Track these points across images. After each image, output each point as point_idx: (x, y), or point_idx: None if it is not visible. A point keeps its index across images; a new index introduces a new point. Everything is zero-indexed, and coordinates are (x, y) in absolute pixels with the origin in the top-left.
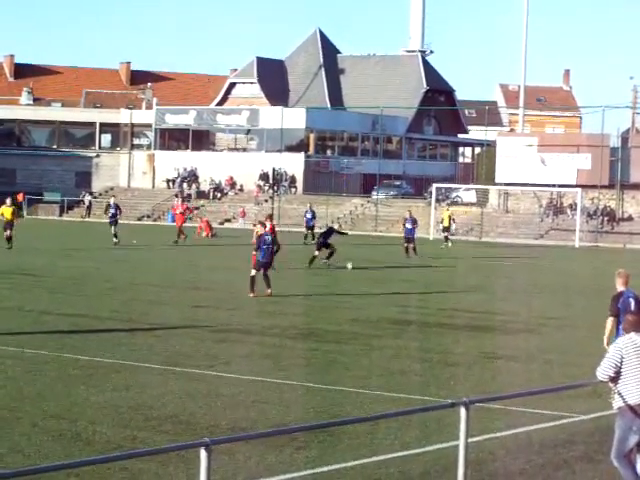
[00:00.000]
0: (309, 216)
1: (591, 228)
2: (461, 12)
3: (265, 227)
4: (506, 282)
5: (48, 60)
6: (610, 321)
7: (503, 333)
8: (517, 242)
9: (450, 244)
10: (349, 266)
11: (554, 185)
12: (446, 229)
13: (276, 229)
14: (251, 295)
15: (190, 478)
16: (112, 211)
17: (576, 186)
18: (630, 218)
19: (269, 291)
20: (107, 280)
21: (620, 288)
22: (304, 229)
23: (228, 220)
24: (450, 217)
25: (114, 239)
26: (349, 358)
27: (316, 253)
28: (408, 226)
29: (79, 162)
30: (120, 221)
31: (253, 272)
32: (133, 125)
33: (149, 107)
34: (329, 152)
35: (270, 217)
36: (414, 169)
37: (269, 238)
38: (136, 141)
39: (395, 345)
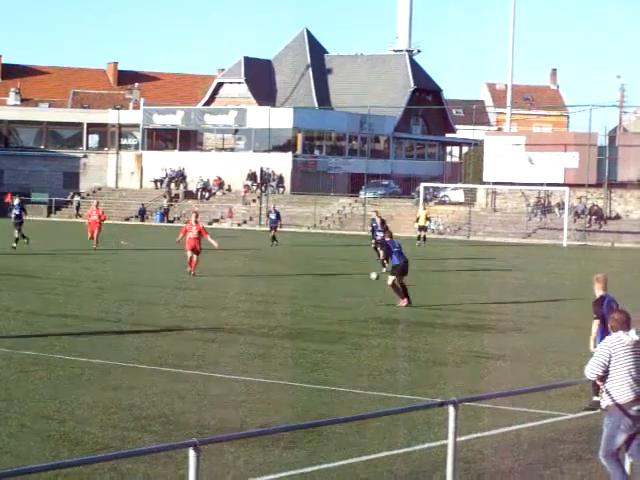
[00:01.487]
0: (273, 217)
1: (579, 227)
2: (448, 11)
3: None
4: (493, 282)
5: (35, 60)
6: (596, 324)
7: (492, 332)
8: (505, 241)
9: (424, 244)
10: (373, 276)
11: (542, 184)
12: (422, 228)
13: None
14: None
15: (179, 478)
16: (16, 212)
17: (564, 185)
18: (618, 217)
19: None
20: (96, 281)
21: (600, 293)
22: (269, 231)
23: (216, 220)
24: (427, 216)
25: (14, 244)
26: (338, 358)
27: None
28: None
29: (67, 162)
30: (108, 221)
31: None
32: (121, 125)
33: (136, 107)
34: (317, 152)
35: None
36: (402, 168)
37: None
38: (124, 141)
39: (384, 345)
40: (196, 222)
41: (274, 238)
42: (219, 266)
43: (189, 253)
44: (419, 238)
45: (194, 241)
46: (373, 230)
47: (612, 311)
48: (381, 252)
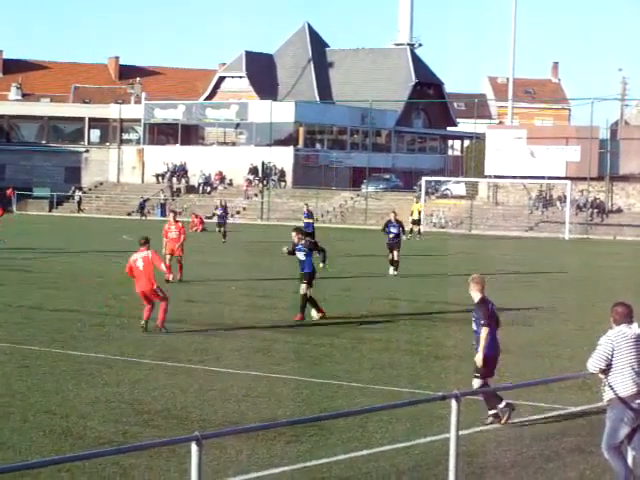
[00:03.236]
0: (220, 212)
1: (581, 220)
2: (449, 5)
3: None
4: (495, 275)
5: (37, 55)
6: (486, 331)
7: None
8: (507, 234)
9: (417, 237)
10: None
11: (543, 177)
12: (416, 222)
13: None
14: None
15: (182, 472)
16: None
17: (565, 178)
18: (619, 210)
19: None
20: (98, 275)
21: (478, 295)
22: (216, 227)
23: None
24: (419, 210)
25: None
26: (339, 351)
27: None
28: (393, 230)
29: (68, 157)
30: (110, 216)
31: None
32: (122, 120)
33: (138, 102)
34: (318, 146)
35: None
36: (403, 162)
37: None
38: (125, 136)
39: (385, 338)
40: (175, 221)
41: (225, 234)
42: (220, 260)
43: (168, 257)
44: (411, 232)
45: (173, 242)
46: (387, 226)
47: (615, 304)
48: (395, 252)
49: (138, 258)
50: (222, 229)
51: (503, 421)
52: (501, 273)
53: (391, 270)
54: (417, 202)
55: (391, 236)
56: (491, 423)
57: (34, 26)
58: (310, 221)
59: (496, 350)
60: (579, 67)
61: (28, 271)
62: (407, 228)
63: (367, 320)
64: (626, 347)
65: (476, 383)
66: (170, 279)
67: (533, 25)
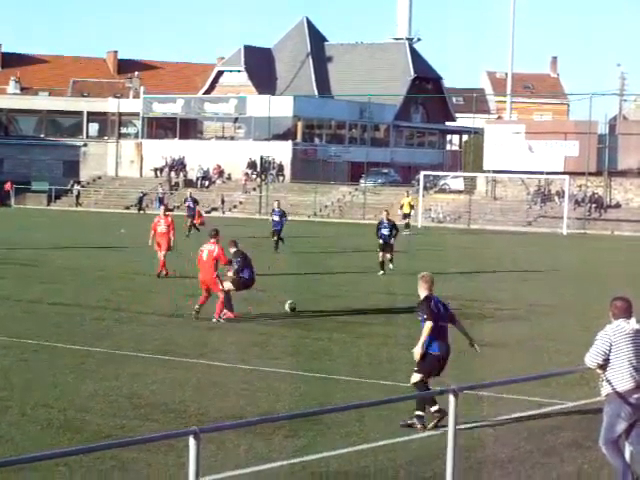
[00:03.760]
0: (191, 205)
1: (579, 215)
2: (448, 0)
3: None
4: (493, 270)
5: (35, 49)
6: (428, 326)
7: (491, 320)
8: (505, 229)
9: (405, 231)
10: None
11: (542, 172)
12: (406, 216)
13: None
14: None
15: (180, 466)
16: None
17: (564, 173)
18: (618, 205)
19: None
20: (97, 269)
21: (425, 293)
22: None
23: (215, 209)
24: (410, 204)
25: None
26: (338, 346)
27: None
28: (384, 232)
29: (67, 151)
30: (108, 210)
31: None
32: (120, 114)
33: (136, 96)
34: (317, 140)
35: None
36: (402, 157)
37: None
38: (124, 130)
39: (384, 333)
40: (165, 215)
41: (191, 228)
42: None
43: (161, 253)
44: (408, 226)
45: (161, 237)
46: (379, 228)
47: (614, 298)
48: (386, 254)
49: (205, 249)
50: (189, 222)
51: (430, 426)
52: (499, 268)
53: (380, 272)
54: (407, 196)
55: (381, 237)
56: (409, 426)
57: (33, 20)
58: (280, 219)
59: (443, 349)
60: (578, 62)
61: (27, 265)
62: (398, 223)
63: (365, 315)
64: (624, 342)
65: (414, 377)
66: (162, 273)
67: (532, 20)
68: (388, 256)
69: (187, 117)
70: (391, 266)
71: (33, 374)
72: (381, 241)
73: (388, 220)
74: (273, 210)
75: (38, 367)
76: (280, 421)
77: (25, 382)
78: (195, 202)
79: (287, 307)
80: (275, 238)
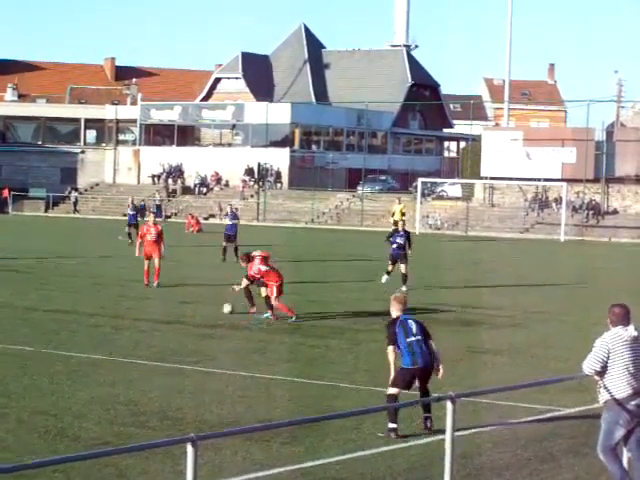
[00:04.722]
0: (131, 212)
1: (576, 222)
2: (446, 6)
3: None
4: (491, 277)
5: (33, 56)
6: (391, 350)
7: (489, 327)
8: (502, 236)
9: None
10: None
11: (539, 179)
12: (396, 223)
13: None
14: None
15: (177, 474)
16: None
17: (561, 180)
18: (615, 212)
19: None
20: (94, 276)
21: (396, 314)
22: (127, 227)
23: (213, 216)
24: (402, 211)
25: None
26: (335, 353)
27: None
28: (399, 241)
29: (64, 158)
30: (106, 216)
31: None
32: (118, 121)
33: (134, 103)
34: (314, 147)
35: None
36: (399, 164)
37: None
38: (121, 137)
39: (381, 339)
40: (154, 223)
41: (129, 235)
42: (215, 262)
43: (147, 262)
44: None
45: (151, 245)
46: (392, 235)
47: (613, 305)
48: (401, 265)
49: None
50: (129, 230)
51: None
52: (496, 275)
53: (384, 278)
54: (399, 203)
55: (394, 246)
56: (387, 436)
57: (30, 27)
58: (234, 222)
59: (417, 361)
60: (575, 69)
61: (24, 272)
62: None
63: (363, 322)
64: (622, 349)
65: (388, 390)
66: (149, 283)
67: (529, 27)
68: (402, 267)
69: (185, 124)
70: (404, 288)
71: (29, 381)
72: (395, 250)
73: (404, 230)
74: (226, 214)
75: (35, 374)
76: (278, 428)
77: (22, 389)
78: (137, 209)
79: (225, 309)
80: (224, 244)
